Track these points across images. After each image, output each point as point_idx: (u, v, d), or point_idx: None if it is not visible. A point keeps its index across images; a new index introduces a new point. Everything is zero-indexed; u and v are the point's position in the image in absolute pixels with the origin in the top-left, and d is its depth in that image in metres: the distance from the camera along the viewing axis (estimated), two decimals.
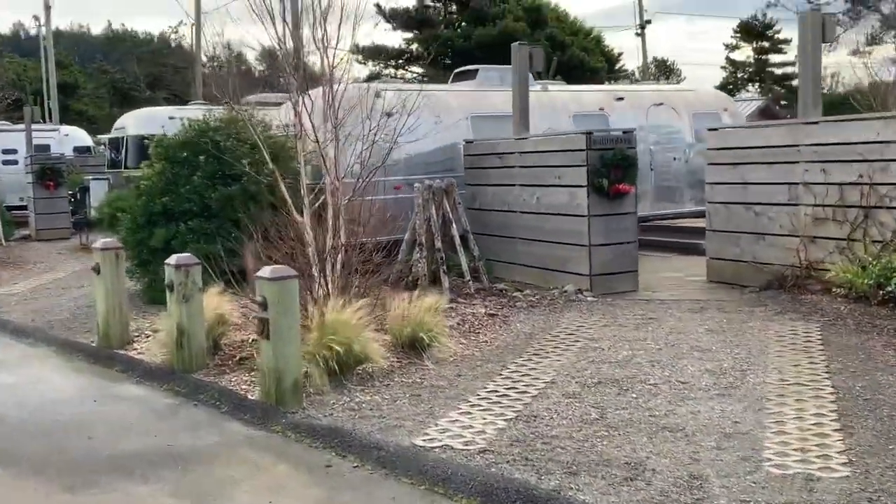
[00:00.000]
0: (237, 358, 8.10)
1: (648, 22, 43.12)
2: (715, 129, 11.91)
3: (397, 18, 39.46)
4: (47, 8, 40.04)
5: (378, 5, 38.73)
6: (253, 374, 7.56)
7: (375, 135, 9.69)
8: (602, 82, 32.04)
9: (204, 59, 34.55)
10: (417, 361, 7.82)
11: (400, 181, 12.82)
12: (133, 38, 56.85)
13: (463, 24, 38.75)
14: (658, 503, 4.63)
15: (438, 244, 11.45)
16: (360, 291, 8.66)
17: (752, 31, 56.58)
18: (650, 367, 7.26)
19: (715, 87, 32.07)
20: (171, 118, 18.46)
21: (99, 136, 32.95)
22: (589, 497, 4.71)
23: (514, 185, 12.37)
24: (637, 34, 42.55)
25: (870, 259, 9.26)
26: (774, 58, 56.54)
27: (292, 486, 5.34)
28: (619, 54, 47.84)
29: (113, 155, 21.92)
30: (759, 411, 6.04)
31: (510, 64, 13.29)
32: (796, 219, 10.34)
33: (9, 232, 20.32)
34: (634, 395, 6.49)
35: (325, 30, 9.54)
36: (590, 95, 16.42)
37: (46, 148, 24.81)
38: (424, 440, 5.72)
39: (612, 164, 10.78)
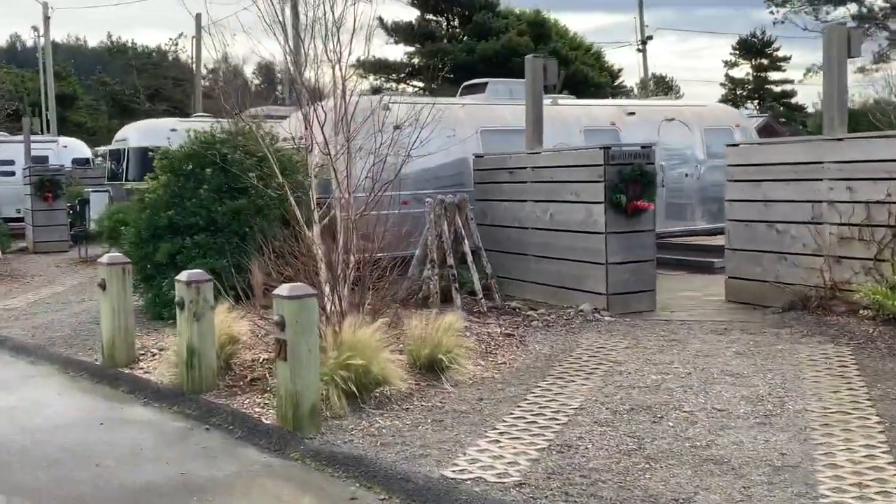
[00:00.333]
0: (248, 378, 7.77)
1: (650, 38, 43.03)
2: (735, 146, 11.66)
3: (400, 32, 39.29)
4: (46, 19, 39.81)
5: (381, 18, 38.55)
6: (266, 395, 7.25)
7: (388, 148, 9.43)
8: (606, 97, 31.87)
9: (204, 71, 34.36)
10: (436, 384, 7.50)
11: (408, 196, 12.53)
12: (133, 50, 56.51)
13: (465, 38, 38.58)
14: None
15: (450, 260, 11.15)
16: (372, 309, 8.36)
17: (751, 48, 56.65)
18: (682, 393, 6.95)
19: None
20: (173, 130, 18.17)
21: (97, 148, 32.67)
22: None
23: (526, 200, 12.08)
24: (638, 50, 42.47)
25: None
26: (773, 75, 56.62)
27: None
28: (619, 70, 47.80)
29: (113, 167, 21.61)
30: (806, 442, 5.73)
31: (516, 77, 13.02)
32: (820, 238, 10.07)
33: (6, 244, 19.97)
34: (671, 424, 6.18)
35: (340, 39, 9.33)
36: (600, 110, 16.18)
37: (45, 159, 24.49)
38: (454, 471, 5.40)
39: (630, 180, 10.50)
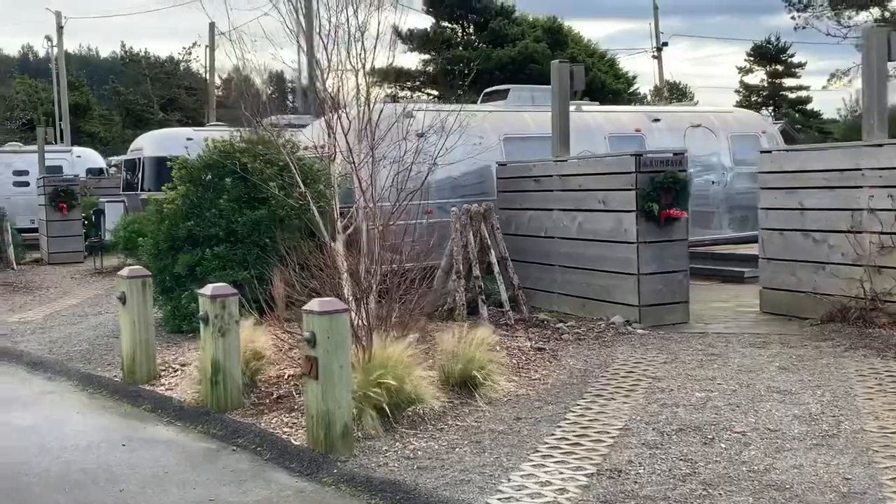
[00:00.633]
0: (274, 396, 7.49)
1: (665, 44, 42.65)
2: (767, 152, 11.34)
3: (414, 40, 39.06)
4: (59, 28, 39.76)
5: (395, 26, 38.40)
6: (293, 414, 6.96)
7: (414, 157, 9.17)
8: (624, 103, 31.53)
9: (218, 81, 34.21)
10: (469, 401, 7.20)
11: (432, 205, 12.24)
12: (145, 59, 56.45)
13: (480, 45, 38.32)
14: None
15: (476, 271, 10.85)
16: (399, 323, 8.07)
17: (765, 54, 56.27)
18: (731, 412, 6.63)
19: None
20: (189, 139, 17.97)
21: (111, 158, 32.53)
22: None
23: (552, 209, 11.77)
24: (654, 56, 42.05)
25: None
26: (788, 81, 56.21)
27: None
28: (634, 77, 47.49)
29: (129, 177, 21.40)
30: (870, 465, 5.40)
31: (535, 83, 12.71)
32: (860, 247, 9.73)
33: (20, 255, 19.78)
34: (724, 446, 5.85)
35: (364, 45, 9.09)
36: (625, 116, 15.87)
37: (59, 169, 24.29)
38: (500, 499, 5.09)
39: (662, 188, 10.18)
